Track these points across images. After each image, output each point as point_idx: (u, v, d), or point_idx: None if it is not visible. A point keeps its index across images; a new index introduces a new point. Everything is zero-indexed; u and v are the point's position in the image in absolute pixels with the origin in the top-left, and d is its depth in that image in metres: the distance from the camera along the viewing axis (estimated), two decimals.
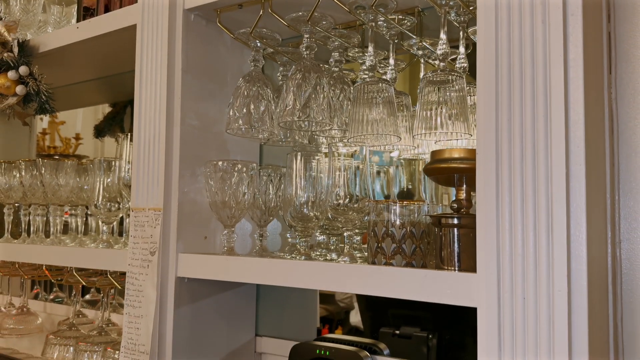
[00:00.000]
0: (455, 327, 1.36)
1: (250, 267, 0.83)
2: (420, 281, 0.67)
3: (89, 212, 1.31)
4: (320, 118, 0.84)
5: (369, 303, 1.58)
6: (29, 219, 1.33)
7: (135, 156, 0.95)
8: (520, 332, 0.58)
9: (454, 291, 0.64)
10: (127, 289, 0.93)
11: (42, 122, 2.80)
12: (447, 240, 0.69)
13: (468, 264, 0.68)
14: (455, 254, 0.69)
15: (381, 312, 1.51)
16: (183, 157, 0.93)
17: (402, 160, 1.05)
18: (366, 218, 0.86)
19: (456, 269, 0.68)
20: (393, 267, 0.73)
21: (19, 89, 1.19)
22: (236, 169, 0.92)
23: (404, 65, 0.99)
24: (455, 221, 0.68)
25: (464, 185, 0.77)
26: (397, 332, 1.17)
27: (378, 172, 1.02)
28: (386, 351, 0.97)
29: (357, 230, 0.91)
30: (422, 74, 0.91)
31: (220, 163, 0.92)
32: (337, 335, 1.07)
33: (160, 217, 0.91)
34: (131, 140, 1.03)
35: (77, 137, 2.79)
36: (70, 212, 1.37)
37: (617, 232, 0.74)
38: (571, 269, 0.57)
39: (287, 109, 0.84)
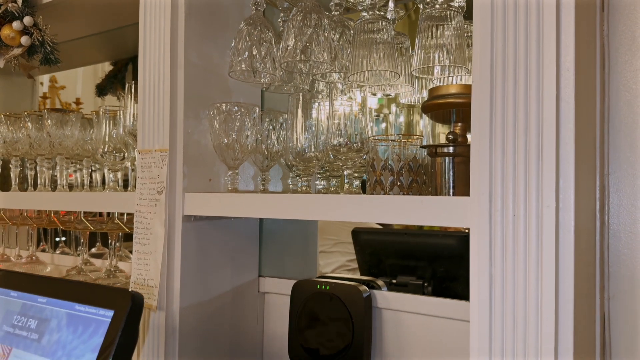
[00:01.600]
0: (450, 275, 1.41)
1: (254, 203, 0.86)
2: (417, 206, 0.70)
3: (93, 169, 1.34)
4: (321, 59, 0.86)
5: (366, 255, 1.63)
6: (36, 171, 1.36)
7: (141, 99, 0.98)
8: (510, 247, 0.62)
9: (449, 214, 0.68)
10: (135, 227, 0.97)
11: (43, 86, 2.81)
12: (443, 168, 0.72)
13: (462, 190, 0.72)
14: (450, 182, 0.72)
15: (378, 263, 1.56)
16: (187, 100, 0.95)
17: (401, 109, 1.08)
18: (365, 157, 0.89)
19: (450, 195, 0.72)
20: (391, 195, 0.76)
21: (24, 39, 1.20)
22: (239, 111, 0.94)
23: (402, 14, 1.01)
24: (451, 150, 0.72)
25: (460, 123, 0.80)
26: (394, 281, 1.22)
27: (377, 116, 1.05)
28: (384, 288, 1.01)
29: (356, 175, 0.95)
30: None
31: (224, 105, 0.94)
32: (337, 274, 1.11)
33: (167, 157, 0.94)
34: (136, 89, 1.06)
35: (78, 102, 2.80)
36: (75, 169, 1.41)
37: (606, 164, 0.78)
38: (559, 186, 0.60)
39: (288, 49, 0.86)
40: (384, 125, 1.10)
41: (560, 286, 0.60)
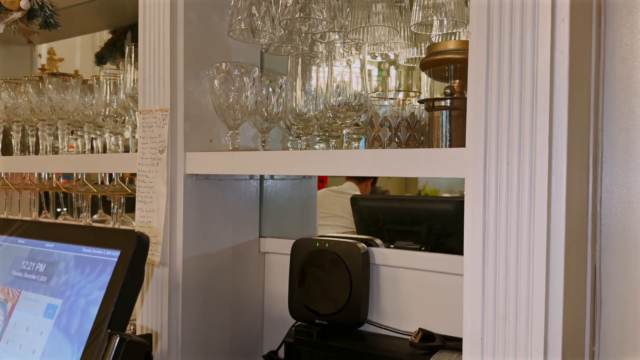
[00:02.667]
0: (447, 239, 1.43)
1: (254, 159, 0.88)
2: (414, 159, 0.72)
3: (94, 136, 1.35)
4: (320, 17, 0.87)
5: (365, 221, 1.66)
6: (37, 137, 1.37)
7: (142, 59, 0.98)
8: (503, 194, 0.64)
9: (445, 165, 0.70)
10: (138, 186, 0.99)
11: (41, 58, 2.80)
12: (439, 122, 0.73)
13: (458, 143, 0.73)
14: (447, 135, 0.73)
15: (377, 229, 1.59)
16: (187, 60, 0.96)
17: (400, 72, 1.09)
18: (363, 116, 0.90)
19: (447, 147, 0.73)
20: (389, 148, 0.78)
21: (23, 3, 1.20)
22: (239, 71, 0.95)
23: None
24: (448, 103, 0.73)
25: (458, 80, 0.81)
26: (392, 246, 1.24)
27: (377, 77, 1.05)
28: (382, 246, 1.04)
29: (355, 136, 0.96)
30: None
31: (223, 65, 0.95)
32: (336, 233, 1.14)
33: (167, 117, 0.95)
34: (136, 53, 1.06)
35: (76, 74, 2.79)
36: (75, 137, 1.42)
37: (600, 119, 0.79)
38: (553, 135, 0.62)
39: (287, 7, 0.86)
40: (382, 83, 1.11)
41: (552, 232, 0.62)
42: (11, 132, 1.44)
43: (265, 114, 1.03)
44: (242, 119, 0.98)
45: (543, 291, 0.62)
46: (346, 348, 0.93)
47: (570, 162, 0.64)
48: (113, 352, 0.52)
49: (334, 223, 2.54)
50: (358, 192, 2.78)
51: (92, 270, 0.62)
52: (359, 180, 2.80)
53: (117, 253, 0.61)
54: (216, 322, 1.03)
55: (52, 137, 1.38)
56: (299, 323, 1.01)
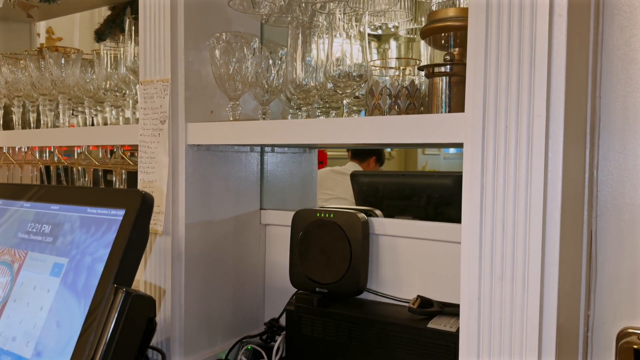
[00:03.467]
0: (446, 214, 1.45)
1: (256, 129, 0.89)
2: (413, 125, 0.73)
3: (94, 113, 1.35)
4: None
5: (365, 197, 1.67)
6: (38, 113, 1.38)
7: (142, 30, 0.98)
8: (501, 157, 0.65)
9: (444, 130, 0.70)
10: (140, 157, 1.00)
11: (40, 38, 2.79)
12: (439, 88, 0.74)
13: (457, 109, 0.74)
14: (446, 101, 0.74)
15: (377, 204, 1.60)
16: (188, 30, 0.96)
17: (400, 43, 1.09)
18: (363, 85, 0.91)
19: (446, 113, 0.74)
20: (388, 115, 0.78)
21: None
22: (239, 41, 0.95)
23: None
24: (448, 69, 0.73)
25: (458, 48, 0.81)
26: None
27: (377, 48, 1.06)
28: (381, 217, 1.05)
29: (355, 108, 0.97)
30: None
31: (224, 35, 0.95)
32: (336, 205, 1.15)
33: (168, 87, 0.95)
34: (136, 26, 1.06)
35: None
36: (76, 113, 1.42)
37: (598, 87, 0.80)
38: (550, 98, 0.63)
39: None
40: (383, 54, 1.11)
41: (549, 195, 0.63)
42: (12, 109, 1.45)
43: (266, 86, 1.03)
44: (243, 90, 0.99)
45: (539, 252, 0.64)
46: (346, 314, 0.95)
47: (568, 127, 0.64)
48: (119, 306, 0.54)
49: (337, 205, 2.56)
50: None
51: (97, 230, 0.63)
52: (361, 160, 2.80)
53: (121, 212, 0.62)
54: (218, 291, 1.05)
55: (52, 113, 1.38)
56: (299, 291, 1.03)
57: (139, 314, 0.56)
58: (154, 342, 0.95)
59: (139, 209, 0.60)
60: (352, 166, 2.79)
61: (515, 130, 0.64)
